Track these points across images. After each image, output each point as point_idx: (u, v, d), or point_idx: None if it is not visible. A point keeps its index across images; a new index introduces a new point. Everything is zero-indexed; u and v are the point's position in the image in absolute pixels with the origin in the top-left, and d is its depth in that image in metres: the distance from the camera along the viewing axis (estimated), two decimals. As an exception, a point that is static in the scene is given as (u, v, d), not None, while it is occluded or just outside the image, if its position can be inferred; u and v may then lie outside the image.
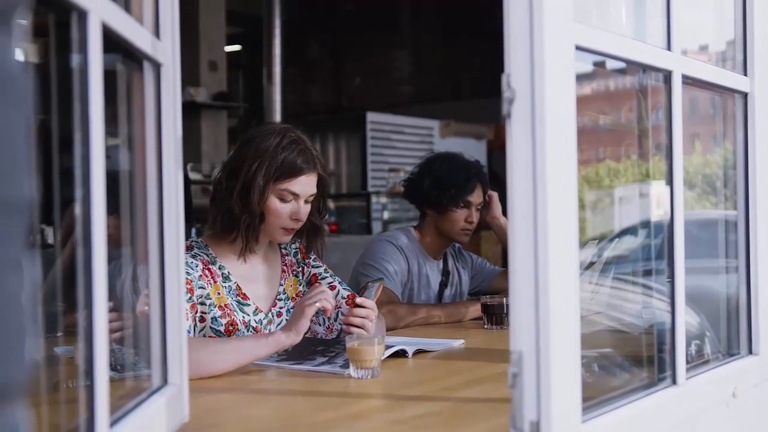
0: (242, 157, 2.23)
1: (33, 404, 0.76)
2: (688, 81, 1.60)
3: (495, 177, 3.53)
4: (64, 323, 1.37)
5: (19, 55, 0.60)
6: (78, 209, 1.00)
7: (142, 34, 1.25)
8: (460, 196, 3.02)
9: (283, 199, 2.23)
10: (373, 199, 7.44)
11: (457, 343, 2.39)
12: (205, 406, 1.65)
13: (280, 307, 2.37)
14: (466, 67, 9.33)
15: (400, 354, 2.15)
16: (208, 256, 2.26)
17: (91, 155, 1.00)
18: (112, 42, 1.10)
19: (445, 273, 3.19)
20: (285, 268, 2.42)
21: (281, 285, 2.39)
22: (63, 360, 1.52)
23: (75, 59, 1.01)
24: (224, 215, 2.24)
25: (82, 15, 0.99)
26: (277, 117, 9.27)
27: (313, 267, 2.46)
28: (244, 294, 2.28)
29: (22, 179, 0.55)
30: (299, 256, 2.46)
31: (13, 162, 0.54)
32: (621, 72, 1.79)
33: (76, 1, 0.96)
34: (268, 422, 1.63)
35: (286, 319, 2.33)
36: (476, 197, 3.05)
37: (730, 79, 1.82)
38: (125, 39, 1.16)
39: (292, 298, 2.40)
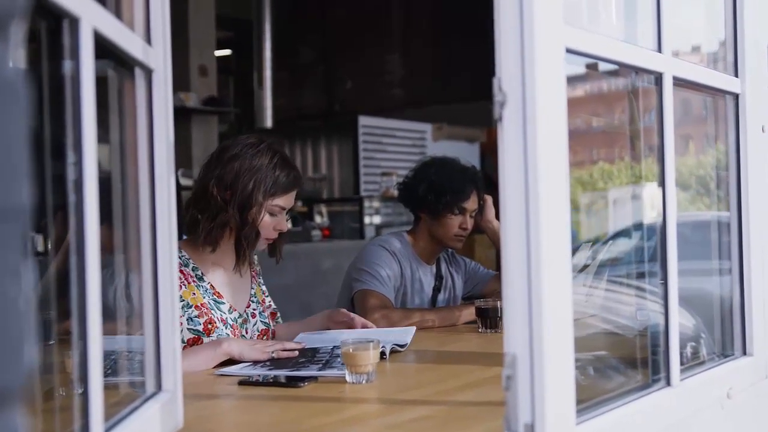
0: (233, 171, 2.29)
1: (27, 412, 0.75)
2: (679, 83, 1.60)
3: (488, 180, 3.52)
4: (57, 331, 1.37)
5: (16, 62, 0.60)
6: (71, 216, 1.00)
7: (133, 41, 1.25)
8: (456, 203, 3.01)
9: (272, 214, 2.34)
10: (366, 203, 7.41)
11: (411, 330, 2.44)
12: (199, 412, 1.65)
13: (253, 309, 2.47)
14: (458, 70, 9.34)
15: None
16: (180, 258, 2.29)
17: (84, 162, 1.00)
18: (103, 48, 1.10)
19: (439, 277, 3.18)
20: (254, 274, 2.53)
21: (252, 288, 2.49)
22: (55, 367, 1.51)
23: (66, 65, 1.00)
24: (218, 228, 2.30)
25: (74, 22, 0.99)
26: (269, 122, 9.24)
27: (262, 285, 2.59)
28: (219, 293, 2.35)
29: (21, 186, 0.56)
30: (259, 268, 2.57)
31: (13, 169, 0.54)
32: (613, 74, 1.79)
33: (68, 8, 0.96)
34: (263, 428, 1.62)
35: (261, 321, 2.46)
36: (471, 204, 3.04)
37: (721, 80, 1.82)
38: (117, 45, 1.16)
39: (261, 302, 2.50)
